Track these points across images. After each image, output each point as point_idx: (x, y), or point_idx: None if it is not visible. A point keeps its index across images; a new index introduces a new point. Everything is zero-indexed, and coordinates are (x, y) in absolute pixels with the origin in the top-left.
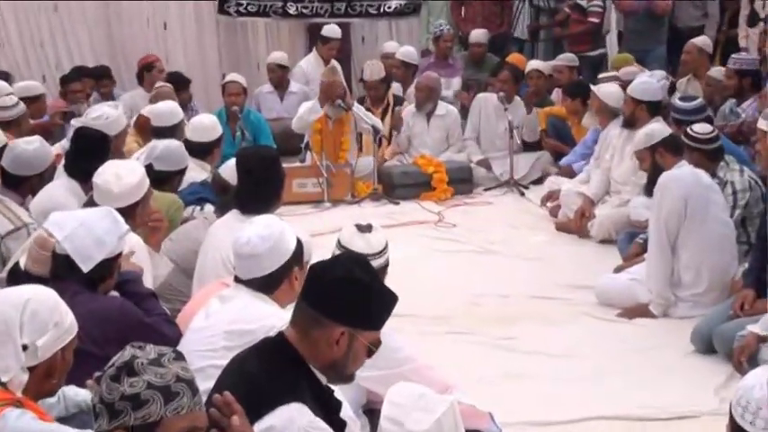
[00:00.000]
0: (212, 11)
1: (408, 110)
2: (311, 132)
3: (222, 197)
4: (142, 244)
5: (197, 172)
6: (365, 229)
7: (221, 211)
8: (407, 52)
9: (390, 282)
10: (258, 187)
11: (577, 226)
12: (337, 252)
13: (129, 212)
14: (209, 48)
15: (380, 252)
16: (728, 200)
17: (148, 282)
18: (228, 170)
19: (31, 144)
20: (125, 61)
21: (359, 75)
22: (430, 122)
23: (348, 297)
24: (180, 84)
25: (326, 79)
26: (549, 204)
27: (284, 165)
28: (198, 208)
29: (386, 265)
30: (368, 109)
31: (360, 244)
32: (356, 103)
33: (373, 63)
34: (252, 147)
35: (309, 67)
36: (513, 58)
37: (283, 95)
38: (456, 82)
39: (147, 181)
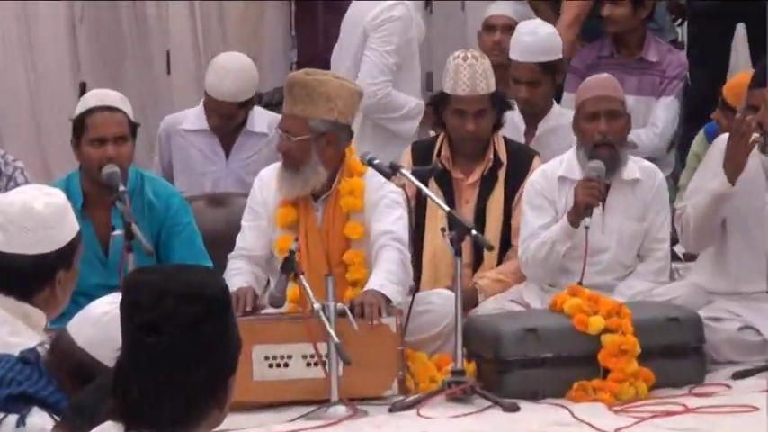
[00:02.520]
0: None
1: (549, 170)
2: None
3: (79, 396)
4: None
5: (19, 335)
6: None
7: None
8: (545, 38)
9: None
10: (173, 375)
11: None
12: None
13: None
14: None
15: None
16: None
17: None
18: (93, 330)
19: None
20: None
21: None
22: (607, 202)
23: None
24: None
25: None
26: None
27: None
28: (12, 419)
29: None
30: (441, 174)
31: None
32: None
33: (468, 59)
34: (157, 271)
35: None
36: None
37: (231, 144)
38: (669, 104)
39: None
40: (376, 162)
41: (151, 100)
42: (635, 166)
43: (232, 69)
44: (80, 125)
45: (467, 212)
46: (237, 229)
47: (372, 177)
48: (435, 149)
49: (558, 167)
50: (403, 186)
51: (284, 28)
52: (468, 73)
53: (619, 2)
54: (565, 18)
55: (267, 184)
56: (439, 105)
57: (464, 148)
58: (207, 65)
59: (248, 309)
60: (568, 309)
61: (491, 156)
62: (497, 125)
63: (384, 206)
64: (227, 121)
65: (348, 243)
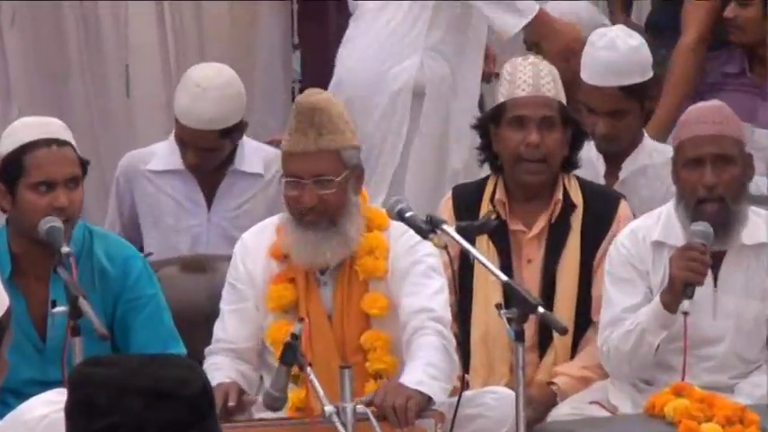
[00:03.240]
0: None
1: (639, 231)
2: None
3: None
4: None
5: None
6: None
7: None
8: (629, 53)
9: None
10: None
11: None
12: None
13: None
14: None
15: None
16: None
17: None
18: None
19: None
20: None
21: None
22: (720, 276)
23: None
24: None
25: None
26: None
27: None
28: None
29: None
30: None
31: None
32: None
33: (530, 59)
34: (115, 362)
35: None
36: None
37: (214, 189)
38: None
39: None
40: (409, 215)
41: (105, 131)
42: (762, 226)
43: (210, 86)
44: (15, 165)
45: (530, 276)
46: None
47: (399, 233)
48: (486, 193)
49: (652, 228)
50: (444, 247)
51: (282, 33)
52: (531, 71)
53: (748, 1)
54: (690, 32)
55: (253, 251)
56: (489, 126)
57: (523, 178)
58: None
59: (232, 404)
60: (672, 413)
61: (560, 196)
62: (570, 163)
63: (418, 275)
64: (207, 158)
65: (367, 321)
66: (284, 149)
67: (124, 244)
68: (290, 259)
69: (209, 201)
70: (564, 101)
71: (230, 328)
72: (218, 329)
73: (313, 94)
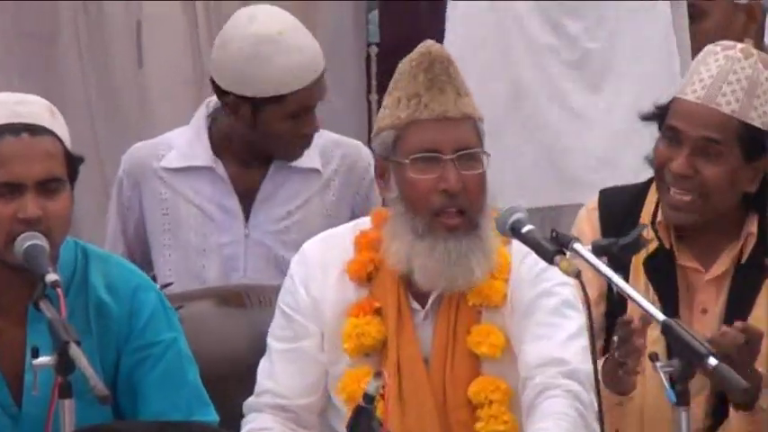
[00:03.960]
0: None
1: None
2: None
3: None
4: None
5: None
6: None
7: None
8: None
9: None
10: None
11: None
12: None
13: None
14: None
15: None
16: None
17: None
18: None
19: None
20: None
21: None
22: None
23: None
24: None
25: None
26: None
27: None
28: None
29: None
30: (657, 257)
31: None
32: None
33: (731, 50)
34: None
35: None
36: None
37: (252, 193)
38: None
39: None
40: (527, 230)
41: (107, 114)
42: None
43: (285, 29)
44: None
45: (704, 328)
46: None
47: (523, 251)
48: (648, 206)
49: None
50: (577, 275)
51: None
52: (716, 68)
53: None
54: None
55: (319, 269)
56: (660, 123)
57: (665, 211)
58: (209, 45)
59: None
60: None
61: (753, 228)
62: (758, 200)
63: (548, 311)
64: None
65: (476, 364)
66: (406, 117)
67: (132, 270)
68: (376, 282)
69: (247, 209)
70: (752, 120)
71: (282, 375)
72: (264, 376)
73: (436, 44)
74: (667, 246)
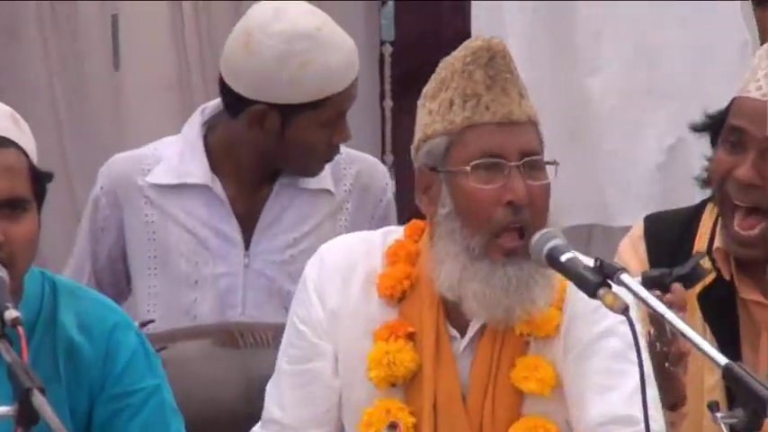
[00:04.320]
0: None
1: None
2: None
3: None
4: None
5: None
6: None
7: None
8: None
9: None
10: None
11: None
12: None
13: None
14: None
15: None
16: None
17: None
18: None
19: None
20: None
21: None
22: None
23: None
24: None
25: None
26: None
27: None
28: None
29: None
30: (716, 289)
31: None
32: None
33: None
34: None
35: None
36: None
37: (257, 210)
38: None
39: None
40: (566, 258)
41: (78, 123)
42: None
43: (322, 24)
44: None
45: None
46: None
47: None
48: (702, 231)
49: None
50: (624, 310)
51: None
52: None
53: None
54: None
55: (339, 278)
56: (717, 133)
57: (728, 231)
58: (197, 46)
59: None
60: None
61: None
62: None
63: (608, 356)
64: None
65: (519, 402)
66: (463, 121)
67: (109, 307)
68: (410, 302)
69: (248, 235)
70: None
71: (290, 402)
72: (272, 402)
73: (495, 38)
74: (727, 277)
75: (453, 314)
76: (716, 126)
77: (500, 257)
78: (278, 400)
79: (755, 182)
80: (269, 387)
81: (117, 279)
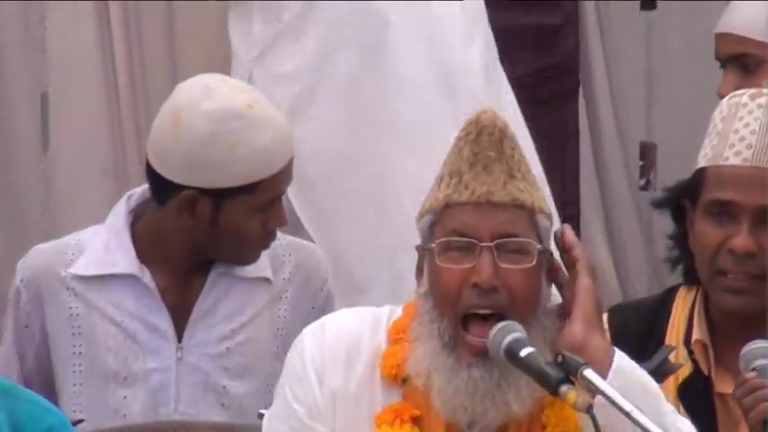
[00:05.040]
0: None
1: None
2: None
3: None
4: None
5: None
6: None
7: None
8: None
9: None
10: None
11: None
12: None
13: None
14: None
15: None
16: None
17: None
18: None
19: None
20: None
21: None
22: None
23: None
24: None
25: None
26: None
27: None
28: None
29: None
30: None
31: None
32: None
33: (760, 97)
34: None
35: None
36: None
37: (190, 301)
38: None
39: None
40: (526, 354)
41: (9, 208)
42: None
43: (253, 101)
44: None
45: None
46: None
47: None
48: (675, 323)
49: None
50: (588, 409)
51: None
52: (756, 120)
53: None
54: None
55: (341, 354)
56: (684, 204)
57: (722, 301)
58: (133, 129)
59: None
60: None
61: None
62: None
63: None
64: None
65: None
66: (444, 199)
67: (45, 408)
68: (414, 384)
69: (180, 327)
70: None
71: None
72: None
73: (488, 111)
74: (705, 371)
75: None
76: (679, 200)
77: (466, 357)
78: None
79: (754, 250)
80: None
81: (49, 381)
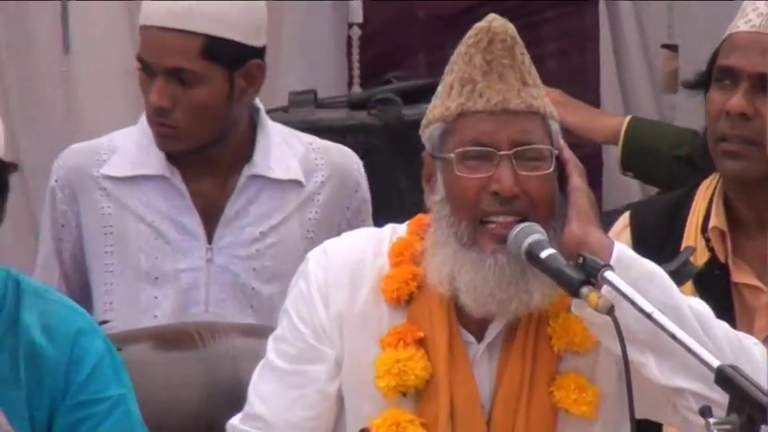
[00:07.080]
0: None
1: None
2: None
3: None
4: None
5: None
6: None
7: None
8: None
9: None
10: None
11: None
12: None
13: None
14: None
15: None
16: None
17: None
18: None
19: None
20: None
21: None
22: None
23: None
24: None
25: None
26: None
27: None
28: None
29: None
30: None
31: None
32: None
33: None
34: None
35: None
36: None
37: (221, 202)
38: None
39: None
40: (546, 255)
41: (28, 110)
42: None
43: None
44: None
45: None
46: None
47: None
48: (694, 215)
49: None
50: (610, 311)
51: None
52: None
53: None
54: None
55: (346, 276)
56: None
57: (720, 165)
58: None
59: None
60: None
61: None
62: None
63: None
64: (183, 109)
65: (554, 421)
66: (457, 108)
67: (75, 310)
68: (418, 305)
69: (211, 228)
70: None
71: (277, 401)
72: (256, 396)
73: (499, 18)
74: (722, 259)
75: (467, 316)
76: (708, 77)
77: (490, 245)
78: (263, 396)
79: (748, 111)
80: (255, 378)
81: (85, 280)
